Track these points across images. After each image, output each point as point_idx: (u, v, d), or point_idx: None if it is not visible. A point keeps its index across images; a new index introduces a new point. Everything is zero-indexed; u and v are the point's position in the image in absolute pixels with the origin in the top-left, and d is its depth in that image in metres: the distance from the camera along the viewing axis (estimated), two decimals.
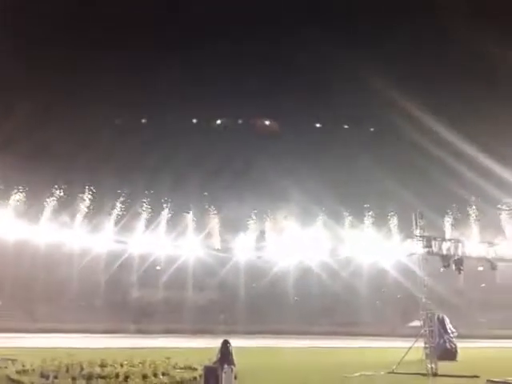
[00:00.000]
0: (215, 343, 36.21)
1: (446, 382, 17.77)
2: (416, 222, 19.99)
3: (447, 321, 27.05)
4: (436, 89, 67.70)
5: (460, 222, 60.63)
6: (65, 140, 62.53)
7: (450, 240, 20.41)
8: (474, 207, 61.93)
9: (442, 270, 22.66)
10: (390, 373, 19.34)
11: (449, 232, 57.00)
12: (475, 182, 57.12)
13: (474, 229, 58.95)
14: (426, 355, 25.09)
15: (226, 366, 13.57)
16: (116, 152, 68.13)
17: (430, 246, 19.76)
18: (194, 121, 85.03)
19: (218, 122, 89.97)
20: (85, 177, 64.43)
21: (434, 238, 20.04)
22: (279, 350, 34.43)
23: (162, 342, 37.51)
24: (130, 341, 38.28)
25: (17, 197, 60.22)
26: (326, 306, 66.26)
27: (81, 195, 63.57)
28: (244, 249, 68.30)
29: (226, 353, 13.83)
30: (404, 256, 64.99)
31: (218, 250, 68.99)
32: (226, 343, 14.04)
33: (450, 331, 26.72)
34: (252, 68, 76.48)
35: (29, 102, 58.81)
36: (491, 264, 21.44)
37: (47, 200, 61.86)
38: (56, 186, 62.70)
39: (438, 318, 26.37)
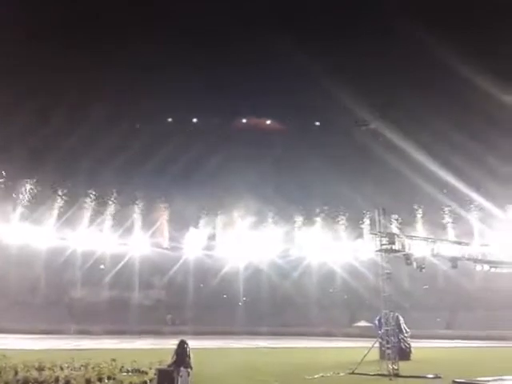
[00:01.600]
0: (162, 344, 35.13)
1: (405, 383, 17.17)
2: (379, 219, 19.43)
3: (402, 320, 26.81)
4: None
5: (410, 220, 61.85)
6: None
7: (411, 237, 19.93)
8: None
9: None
10: (350, 374, 18.65)
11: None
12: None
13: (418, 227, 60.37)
14: (381, 355, 24.85)
15: (182, 368, 12.29)
16: (62, 142, 64.56)
17: (393, 243, 19.24)
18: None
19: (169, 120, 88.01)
20: (26, 167, 60.56)
21: (397, 235, 19.54)
22: (231, 351, 33.26)
23: (105, 344, 35.36)
24: (71, 342, 35.91)
25: None
26: (275, 307, 65.93)
27: (21, 187, 59.71)
28: (193, 247, 66.54)
29: (182, 354, 12.53)
30: (352, 257, 65.78)
31: (166, 248, 66.87)
32: (182, 344, 12.74)
33: (404, 330, 26.49)
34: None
35: None
36: (452, 264, 21.16)
37: None
38: None
39: (393, 318, 26.04)
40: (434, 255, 22.07)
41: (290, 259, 67.31)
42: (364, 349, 30.35)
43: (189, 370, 12.54)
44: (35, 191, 59.09)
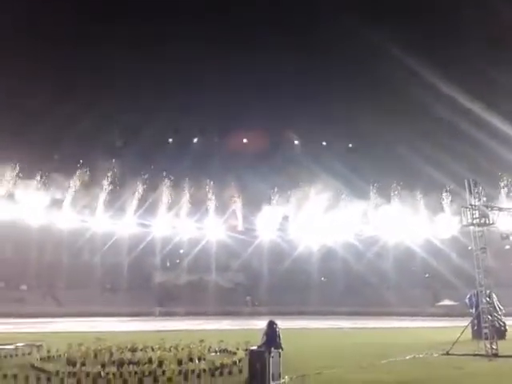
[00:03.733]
0: (244, 325, 35.60)
1: (507, 363, 16.01)
2: (470, 191, 18.11)
3: (495, 298, 25.14)
4: None
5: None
6: (83, 121, 61.33)
7: (507, 210, 18.43)
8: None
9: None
10: (443, 354, 17.73)
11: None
12: None
13: None
14: (474, 335, 23.51)
15: (273, 349, 12.10)
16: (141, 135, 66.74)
17: (487, 216, 17.88)
18: None
19: None
20: (107, 159, 63.53)
21: (491, 208, 18.14)
22: (314, 332, 33.05)
23: (190, 325, 36.42)
24: (158, 324, 37.34)
25: (38, 183, 59.66)
26: (349, 288, 64.91)
27: (103, 179, 62.84)
28: (267, 230, 66.91)
29: (272, 335, 12.35)
30: (431, 235, 63.19)
31: (241, 231, 67.78)
32: (272, 324, 12.56)
33: (498, 308, 24.87)
34: None
35: None
36: None
37: (68, 185, 61.22)
38: (78, 170, 62.12)
39: (487, 295, 24.55)
40: None
41: (365, 239, 65.95)
42: (450, 328, 29.13)
43: (280, 350, 12.34)
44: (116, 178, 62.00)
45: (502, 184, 59.64)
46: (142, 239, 62.96)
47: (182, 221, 65.27)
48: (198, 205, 65.96)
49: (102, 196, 62.42)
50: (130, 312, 51.18)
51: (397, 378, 13.38)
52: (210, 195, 66.63)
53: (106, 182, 62.46)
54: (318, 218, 65.40)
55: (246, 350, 17.46)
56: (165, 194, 64.66)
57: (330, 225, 65.11)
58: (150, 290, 61.61)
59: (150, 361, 14.47)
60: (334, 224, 65.03)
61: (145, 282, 63.31)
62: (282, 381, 12.07)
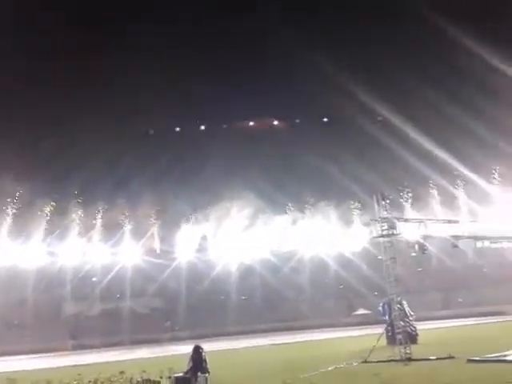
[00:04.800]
0: (164, 352, 34.63)
1: (421, 366, 17.06)
2: (378, 204, 19.28)
3: (405, 304, 26.73)
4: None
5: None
6: None
7: (412, 220, 19.83)
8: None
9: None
10: (362, 362, 18.49)
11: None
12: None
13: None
14: (389, 341, 24.79)
15: (199, 374, 11.94)
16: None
17: (394, 228, 19.10)
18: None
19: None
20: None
21: (398, 219, 19.42)
22: (236, 352, 32.92)
23: (107, 357, 34.70)
24: (73, 358, 35.16)
25: None
26: (268, 304, 65.64)
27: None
28: (185, 250, 65.98)
29: (198, 360, 12.18)
30: (343, 247, 66.00)
31: (157, 254, 66.18)
32: (197, 349, 12.40)
33: (409, 314, 26.44)
34: None
35: None
36: (452, 243, 21.15)
37: None
38: None
39: (397, 301, 26.01)
40: (425, 237, 22.05)
41: (281, 254, 67.23)
42: (366, 336, 30.50)
43: (206, 375, 12.20)
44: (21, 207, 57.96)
45: (407, 195, 63.79)
46: (51, 269, 59.23)
47: (95, 246, 62.43)
48: (112, 228, 63.53)
49: (5, 223, 58.09)
50: (41, 348, 47.64)
51: None
52: (124, 217, 64.54)
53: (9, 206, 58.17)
54: (236, 235, 65.76)
55: (170, 377, 17.04)
56: (75, 217, 61.57)
57: (248, 242, 65.71)
58: (60, 324, 57.85)
59: None
60: (253, 241, 65.75)
61: (55, 315, 59.37)
62: None
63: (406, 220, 19.83)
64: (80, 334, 54.25)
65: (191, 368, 12.04)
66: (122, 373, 18.78)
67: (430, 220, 21.14)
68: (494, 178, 59.09)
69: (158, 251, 66.31)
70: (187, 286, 65.20)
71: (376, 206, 19.42)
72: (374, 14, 74.77)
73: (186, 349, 33.19)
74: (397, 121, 56.94)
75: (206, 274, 65.71)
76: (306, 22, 79.45)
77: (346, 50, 69.57)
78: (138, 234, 65.09)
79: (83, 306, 61.26)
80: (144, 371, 18.48)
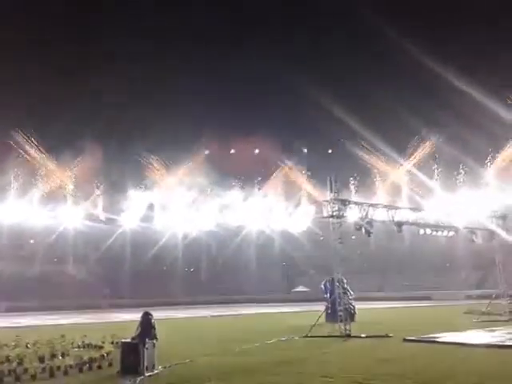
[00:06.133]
0: (104, 318, 34.28)
1: (360, 343, 17.85)
2: (331, 186, 19.74)
3: (345, 282, 27.63)
4: None
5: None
6: None
7: (360, 204, 20.44)
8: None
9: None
10: (304, 337, 19.09)
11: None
12: None
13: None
14: (327, 318, 25.67)
15: (147, 340, 11.94)
16: None
17: (344, 210, 19.66)
18: None
19: None
20: None
21: (348, 202, 19.97)
22: (178, 322, 33.05)
23: (45, 320, 33.91)
24: (7, 320, 34.03)
25: None
26: (213, 276, 66.22)
27: None
28: (131, 218, 64.89)
29: (147, 326, 12.14)
30: (289, 225, 67.24)
31: (101, 220, 64.70)
32: (147, 315, 12.34)
33: (349, 293, 27.40)
34: None
35: None
36: (396, 229, 22.02)
37: None
38: None
39: (338, 280, 26.87)
40: (370, 220, 22.82)
41: (228, 229, 67.62)
42: (305, 313, 31.46)
43: (154, 341, 12.22)
44: None
45: (351, 180, 65.57)
46: None
47: (35, 207, 60.17)
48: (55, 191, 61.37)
49: None
50: None
51: (269, 359, 14.09)
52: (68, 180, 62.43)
53: None
54: (185, 208, 65.37)
55: (112, 343, 16.95)
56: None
57: (196, 215, 65.54)
58: None
59: (8, 359, 13.27)
60: (200, 215, 65.65)
61: None
62: (156, 371, 11.97)
63: (356, 203, 20.40)
64: (16, 296, 52.56)
65: (139, 334, 11.99)
66: (62, 336, 18.62)
67: (377, 204, 21.86)
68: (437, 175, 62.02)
69: (102, 217, 64.81)
70: (131, 254, 64.50)
71: (329, 188, 19.86)
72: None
73: (127, 316, 33.27)
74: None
75: (151, 243, 65.09)
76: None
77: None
78: (82, 196, 63.29)
79: (20, 267, 59.20)
80: (85, 335, 18.44)
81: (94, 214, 63.90)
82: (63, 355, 14.09)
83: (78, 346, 16.80)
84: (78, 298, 54.71)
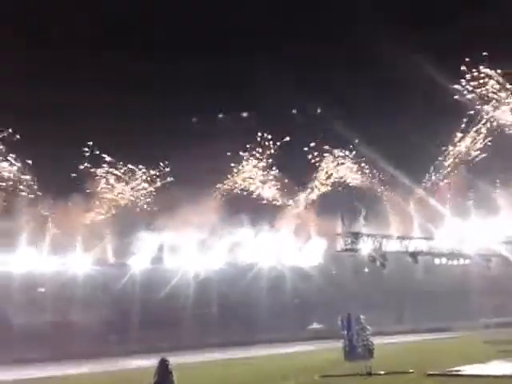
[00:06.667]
0: (116, 366, 33.56)
1: (381, 380, 17.30)
2: (343, 220, 19.57)
3: (362, 318, 27.16)
4: None
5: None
6: None
7: (373, 236, 20.21)
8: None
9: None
10: (324, 376, 18.54)
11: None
12: None
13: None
14: (346, 356, 25.07)
15: None
16: None
17: (357, 243, 19.40)
18: None
19: None
20: None
21: (361, 235, 19.74)
22: (192, 366, 32.30)
23: (57, 371, 33.29)
24: (17, 373, 33.37)
25: None
26: (223, 317, 65.03)
27: None
28: (140, 260, 64.45)
29: (164, 373, 11.84)
30: (300, 261, 66.48)
31: (111, 264, 64.32)
32: (164, 362, 12.06)
33: (366, 329, 26.85)
34: None
35: None
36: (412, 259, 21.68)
37: None
38: None
39: (355, 316, 26.42)
40: (382, 253, 22.54)
41: (239, 267, 66.93)
42: (321, 351, 30.71)
43: None
44: None
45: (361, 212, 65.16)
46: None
47: (43, 254, 60.02)
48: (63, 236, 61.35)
49: None
50: None
51: None
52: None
53: None
54: (194, 247, 65.09)
55: None
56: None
57: (206, 254, 65.19)
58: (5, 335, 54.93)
59: None
60: (211, 253, 65.31)
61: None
62: None
63: (369, 235, 20.17)
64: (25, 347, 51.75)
65: (157, 381, 11.68)
66: None
67: (390, 236, 21.61)
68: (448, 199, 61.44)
69: (111, 261, 64.54)
70: (141, 298, 63.62)
71: (340, 222, 19.70)
72: None
73: (138, 363, 32.59)
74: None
75: (162, 285, 64.35)
76: None
77: None
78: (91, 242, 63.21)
79: (30, 318, 58.50)
80: None
81: (104, 259, 63.70)
82: None
83: None
84: (86, 345, 53.80)
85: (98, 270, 62.21)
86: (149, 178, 69.52)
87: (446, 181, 62.39)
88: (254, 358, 36.05)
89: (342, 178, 64.95)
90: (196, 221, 65.16)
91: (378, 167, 60.41)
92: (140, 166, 69.32)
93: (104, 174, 67.71)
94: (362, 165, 60.41)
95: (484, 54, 60.96)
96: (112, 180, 68.13)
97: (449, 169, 61.94)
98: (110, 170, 67.96)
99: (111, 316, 63.67)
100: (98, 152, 66.17)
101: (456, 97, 60.35)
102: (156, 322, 60.08)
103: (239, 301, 65.54)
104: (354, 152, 61.02)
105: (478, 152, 59.01)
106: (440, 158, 61.74)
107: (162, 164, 69.54)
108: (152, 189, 67.26)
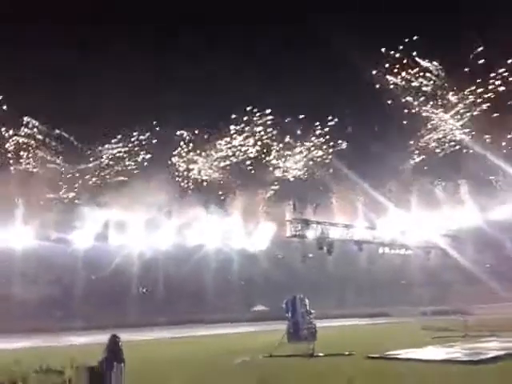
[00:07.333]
0: (58, 342, 32.93)
1: (324, 361, 18.05)
2: (295, 206, 20.08)
3: (307, 302, 27.86)
4: None
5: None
6: None
7: (322, 223, 20.87)
8: None
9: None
10: (268, 356, 19.09)
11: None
12: None
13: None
14: (289, 338, 25.78)
15: (115, 363, 11.68)
16: None
17: (307, 229, 20.00)
18: None
19: None
20: None
21: (310, 222, 20.34)
22: (139, 344, 32.18)
23: None
24: None
25: None
26: (169, 296, 65.05)
27: None
28: (85, 237, 63.12)
29: (115, 349, 11.87)
30: (249, 243, 67.42)
31: (53, 239, 62.62)
32: (114, 338, 12.05)
33: (309, 312, 27.61)
34: None
35: None
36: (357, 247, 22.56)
37: None
38: None
39: (300, 299, 27.11)
40: (330, 240, 23.39)
41: (187, 247, 67.02)
42: (266, 332, 31.45)
43: (122, 364, 11.95)
44: None
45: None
46: None
47: None
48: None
49: None
50: None
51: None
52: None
53: None
54: (141, 225, 64.39)
55: (72, 367, 16.28)
56: None
57: (154, 234, 64.71)
58: None
59: None
60: (159, 233, 64.90)
61: None
62: None
63: (318, 223, 20.81)
64: None
65: (106, 357, 11.70)
66: (17, 361, 17.72)
67: (337, 224, 22.39)
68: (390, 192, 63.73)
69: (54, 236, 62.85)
70: (84, 275, 62.53)
71: (292, 209, 20.21)
72: None
73: (82, 340, 32.14)
74: None
75: (106, 262, 63.48)
76: None
77: None
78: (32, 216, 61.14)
79: None
80: (42, 360, 17.57)
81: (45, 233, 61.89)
82: (24, 381, 13.51)
83: (37, 372, 16.07)
84: (28, 320, 52.41)
85: (40, 245, 60.57)
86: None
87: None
88: (200, 337, 36.33)
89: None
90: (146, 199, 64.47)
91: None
92: None
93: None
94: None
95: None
96: None
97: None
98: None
99: (54, 292, 62.45)
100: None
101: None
102: (100, 299, 59.43)
103: (185, 281, 65.82)
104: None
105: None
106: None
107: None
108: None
